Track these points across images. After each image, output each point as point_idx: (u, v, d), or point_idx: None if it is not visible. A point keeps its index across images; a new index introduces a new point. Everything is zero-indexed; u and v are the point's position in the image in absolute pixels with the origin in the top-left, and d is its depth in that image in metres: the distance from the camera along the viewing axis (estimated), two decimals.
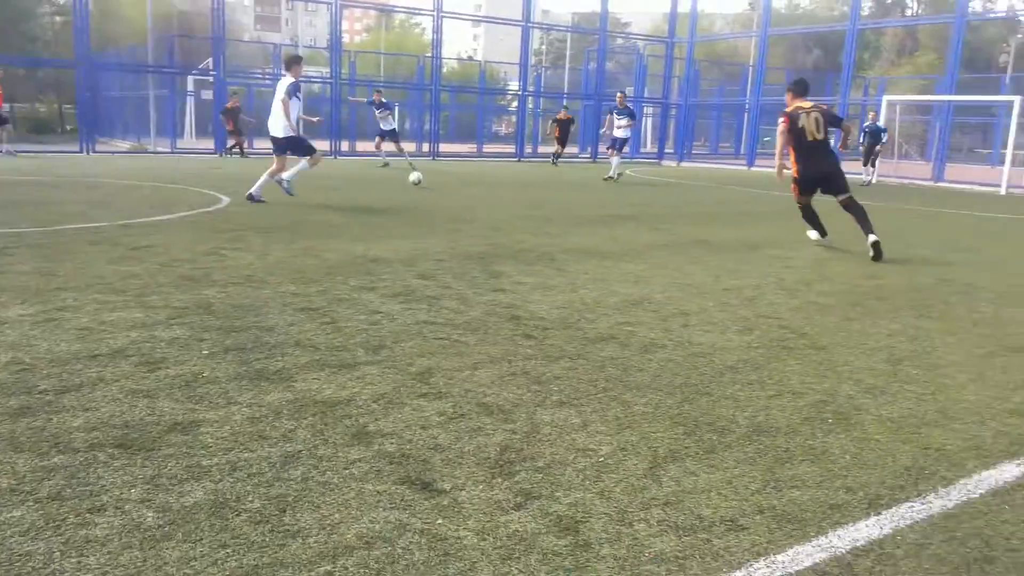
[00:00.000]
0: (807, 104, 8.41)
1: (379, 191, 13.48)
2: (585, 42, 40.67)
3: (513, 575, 2.10)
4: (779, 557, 2.24)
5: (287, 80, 10.54)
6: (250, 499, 2.43)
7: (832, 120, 8.43)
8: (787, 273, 6.82)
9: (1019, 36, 43.92)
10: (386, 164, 20.61)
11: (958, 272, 7.24)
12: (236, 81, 27.72)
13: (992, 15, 49.04)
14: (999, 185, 20.03)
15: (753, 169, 26.69)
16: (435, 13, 25.55)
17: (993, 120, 37.81)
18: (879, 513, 2.53)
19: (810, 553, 2.27)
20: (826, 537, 2.37)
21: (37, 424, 2.92)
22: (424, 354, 4.00)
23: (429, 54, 28.27)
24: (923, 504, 2.61)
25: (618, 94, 20.32)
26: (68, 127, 33.80)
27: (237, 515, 2.33)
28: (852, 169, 24.28)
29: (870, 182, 20.10)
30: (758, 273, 6.77)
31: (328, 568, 2.08)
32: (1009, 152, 20.39)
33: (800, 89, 8.57)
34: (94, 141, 21.86)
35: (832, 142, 9.06)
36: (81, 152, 21.02)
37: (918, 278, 6.86)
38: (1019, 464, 2.97)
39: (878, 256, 7.72)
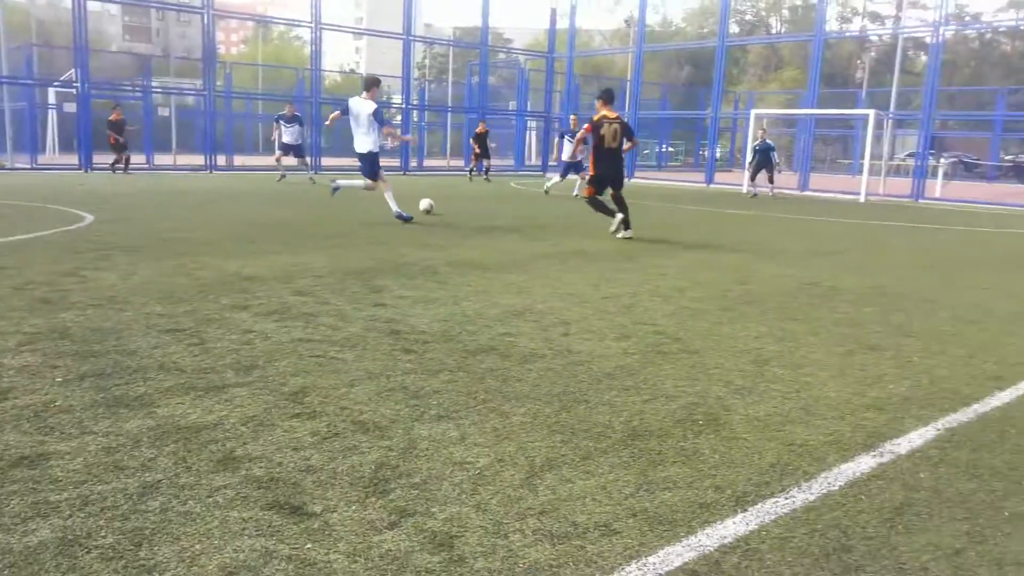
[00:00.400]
0: (612, 114, 10.06)
1: (260, 206, 13.07)
2: (468, 56, 40.88)
3: None
4: (650, 559, 2.28)
5: (371, 104, 10.69)
6: (103, 534, 2.27)
7: (627, 133, 10.22)
8: (662, 280, 7.01)
9: (872, 54, 47.04)
10: (283, 177, 20.25)
11: (822, 275, 7.64)
12: (104, 95, 26.40)
13: (848, 34, 52.52)
14: (859, 193, 21.35)
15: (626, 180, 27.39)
16: (313, 25, 25.15)
17: (852, 132, 40.43)
18: (746, 510, 2.61)
19: (680, 553, 2.32)
20: (696, 536, 2.42)
21: None
22: (298, 373, 3.87)
23: (309, 67, 27.73)
24: (787, 499, 2.71)
25: (572, 116, 19.89)
26: None
27: (87, 552, 2.17)
28: (734, 180, 24.97)
29: (755, 194, 21.13)
30: (635, 281, 6.93)
31: None
32: (867, 162, 21.77)
33: (608, 97, 10.22)
34: None
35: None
36: None
37: (785, 282, 7.19)
38: (874, 456, 3.13)
39: (627, 227, 9.84)
